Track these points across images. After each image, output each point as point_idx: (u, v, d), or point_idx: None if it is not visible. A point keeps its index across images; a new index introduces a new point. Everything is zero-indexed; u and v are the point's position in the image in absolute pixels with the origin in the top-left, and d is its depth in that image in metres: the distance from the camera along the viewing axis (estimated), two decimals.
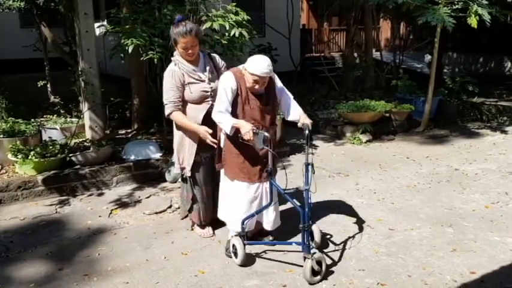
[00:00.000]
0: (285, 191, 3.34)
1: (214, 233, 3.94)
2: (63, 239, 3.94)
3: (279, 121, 6.17)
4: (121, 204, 4.71)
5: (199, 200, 3.78)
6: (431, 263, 3.48)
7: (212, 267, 3.43)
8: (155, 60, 5.06)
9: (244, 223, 3.45)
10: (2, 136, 5.28)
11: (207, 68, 3.63)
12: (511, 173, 5.58)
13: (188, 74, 3.55)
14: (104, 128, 6.04)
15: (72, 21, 6.38)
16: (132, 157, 5.46)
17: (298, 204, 3.26)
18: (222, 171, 3.59)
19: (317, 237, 3.56)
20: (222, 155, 3.54)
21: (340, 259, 3.54)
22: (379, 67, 10.81)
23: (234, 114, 3.38)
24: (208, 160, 3.71)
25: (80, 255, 3.64)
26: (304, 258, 3.20)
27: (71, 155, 5.18)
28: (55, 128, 6.00)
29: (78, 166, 5.17)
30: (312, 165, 3.29)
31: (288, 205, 4.31)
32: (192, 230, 4.02)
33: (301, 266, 3.32)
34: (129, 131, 6.90)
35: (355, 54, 11.59)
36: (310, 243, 3.58)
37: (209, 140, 3.44)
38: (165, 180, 4.45)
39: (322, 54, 15.08)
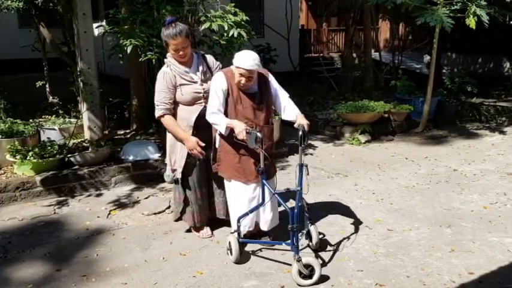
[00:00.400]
0: (276, 192, 3.33)
1: (212, 233, 3.93)
2: (61, 239, 3.93)
3: (276, 121, 6.18)
4: (119, 204, 4.71)
5: (192, 202, 3.77)
6: (429, 263, 3.48)
7: (210, 268, 3.43)
8: (153, 60, 5.06)
9: (240, 221, 3.45)
10: (0, 137, 5.27)
11: (200, 69, 3.62)
12: (510, 174, 5.58)
13: (180, 75, 3.55)
14: (103, 128, 6.04)
15: (71, 21, 6.39)
16: (131, 158, 5.46)
17: (288, 205, 3.25)
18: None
19: (315, 238, 3.56)
20: (217, 156, 3.55)
21: (338, 260, 3.53)
22: (378, 67, 10.82)
23: (226, 114, 3.41)
24: (202, 162, 3.70)
25: (78, 255, 3.64)
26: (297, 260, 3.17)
27: (69, 155, 5.18)
28: (53, 129, 5.99)
29: (76, 167, 5.16)
30: (306, 166, 3.29)
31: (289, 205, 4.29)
32: (190, 231, 4.01)
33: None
34: (127, 131, 6.90)
35: (354, 55, 11.59)
36: (311, 244, 3.58)
37: (196, 151, 3.50)
38: (163, 181, 4.46)
39: (321, 54, 15.08)
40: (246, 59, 3.28)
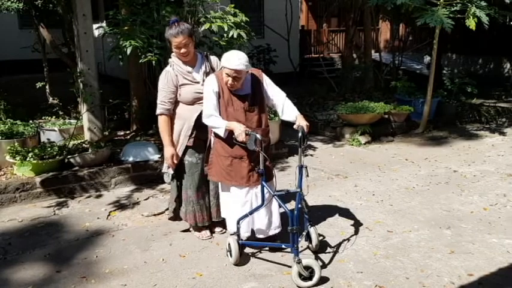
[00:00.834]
0: (275, 194, 3.32)
1: (212, 235, 3.93)
2: (61, 241, 3.93)
3: (276, 122, 6.18)
4: (119, 206, 4.71)
5: (194, 201, 3.77)
6: (429, 265, 3.48)
7: (210, 270, 3.42)
8: (153, 62, 5.06)
9: (240, 223, 3.45)
10: (0, 138, 5.27)
11: (202, 69, 3.64)
12: (510, 175, 5.58)
13: (182, 75, 3.58)
14: (103, 129, 6.04)
15: (71, 22, 6.39)
16: (131, 159, 5.46)
17: (288, 207, 3.24)
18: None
19: (314, 240, 3.56)
20: (210, 158, 3.55)
21: (338, 261, 3.53)
22: (378, 68, 10.82)
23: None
24: (201, 162, 3.72)
25: (77, 257, 3.64)
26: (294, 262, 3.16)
27: (69, 156, 5.18)
28: (53, 130, 5.99)
29: (76, 168, 5.17)
30: (306, 167, 3.29)
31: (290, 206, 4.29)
32: (189, 231, 4.01)
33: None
34: (127, 132, 6.90)
35: (354, 55, 11.59)
36: (311, 246, 3.59)
37: (169, 161, 3.61)
38: (163, 182, 4.45)
39: (321, 55, 15.09)
40: (232, 59, 3.27)
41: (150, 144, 5.72)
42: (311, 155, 6.57)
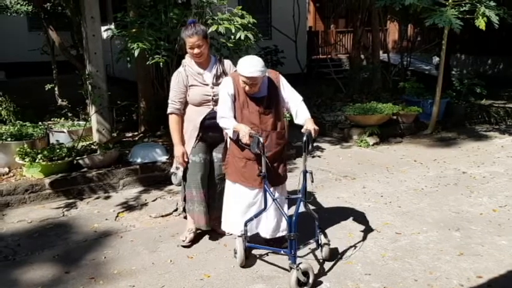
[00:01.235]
0: (275, 198, 3.29)
1: (191, 241, 3.82)
2: (69, 242, 3.96)
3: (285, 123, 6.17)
4: (127, 207, 4.73)
5: (197, 201, 3.76)
6: (437, 267, 3.45)
7: (218, 271, 3.43)
8: (161, 64, 5.08)
9: (247, 225, 3.44)
10: (9, 139, 5.32)
11: (214, 71, 3.65)
12: None
13: (193, 76, 3.61)
14: (111, 131, 6.08)
15: (80, 25, 6.43)
16: (139, 160, 5.48)
17: (287, 213, 3.25)
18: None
19: (325, 249, 3.50)
20: (226, 158, 3.56)
21: (346, 263, 3.52)
22: (386, 69, 10.77)
23: (234, 118, 3.41)
24: (206, 162, 3.72)
25: (86, 258, 3.66)
26: (290, 268, 3.13)
27: (78, 158, 5.21)
28: (62, 131, 6.04)
29: (85, 169, 5.20)
30: (310, 173, 3.26)
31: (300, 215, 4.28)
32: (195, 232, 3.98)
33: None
34: (135, 133, 6.93)
35: (362, 56, 11.55)
36: (321, 254, 3.52)
37: (180, 160, 3.64)
38: (171, 183, 4.44)
39: (329, 56, 15.06)
40: (246, 66, 3.23)
41: (158, 146, 5.74)
42: (319, 156, 6.56)
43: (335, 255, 3.63)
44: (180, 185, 4.10)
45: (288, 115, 6.10)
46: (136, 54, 4.94)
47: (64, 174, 5.01)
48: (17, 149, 5.14)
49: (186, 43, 3.55)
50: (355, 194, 5.04)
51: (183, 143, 3.69)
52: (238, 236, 3.52)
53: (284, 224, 3.59)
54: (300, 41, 12.69)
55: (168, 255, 3.67)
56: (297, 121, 3.51)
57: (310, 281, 3.14)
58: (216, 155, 3.77)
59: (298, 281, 3.08)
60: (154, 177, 5.40)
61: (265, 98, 3.42)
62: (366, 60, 11.65)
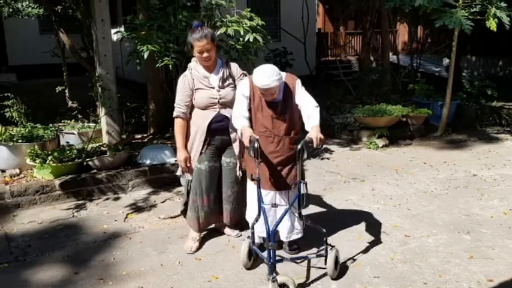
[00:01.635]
0: (263, 205, 3.24)
1: (197, 249, 3.80)
2: (79, 243, 3.98)
3: None
4: (136, 208, 4.75)
5: (199, 207, 3.77)
6: (447, 270, 3.42)
7: (226, 273, 3.43)
8: (170, 66, 5.10)
9: (254, 228, 3.43)
10: (20, 141, 5.37)
11: (220, 75, 3.63)
12: None
13: (199, 79, 3.59)
14: (121, 132, 6.11)
15: (90, 27, 6.49)
16: (148, 161, 5.51)
17: (272, 220, 3.23)
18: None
19: (330, 267, 3.29)
20: (244, 156, 3.61)
21: (355, 266, 3.50)
22: (396, 71, 10.71)
23: (250, 120, 3.41)
24: (213, 169, 3.70)
25: (95, 259, 3.68)
26: (268, 278, 3.02)
27: (87, 159, 5.25)
28: (73, 133, 6.08)
29: (94, 170, 5.23)
30: (305, 184, 3.22)
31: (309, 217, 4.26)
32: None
33: (316, 273, 3.31)
34: (145, 135, 6.97)
35: (372, 58, 11.50)
36: (328, 272, 3.35)
37: (183, 164, 3.64)
38: (180, 185, 4.48)
39: (338, 58, 15.01)
40: (261, 78, 3.17)
41: (167, 148, 5.76)
42: (328, 159, 6.54)
43: (341, 250, 3.54)
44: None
45: None
46: (145, 56, 4.97)
47: (74, 175, 5.05)
48: (27, 150, 5.19)
49: (194, 47, 3.50)
50: (364, 196, 5.02)
51: (185, 147, 3.66)
52: (247, 237, 3.52)
53: (297, 226, 3.59)
54: (309, 42, 12.68)
55: (177, 257, 3.68)
56: (306, 127, 3.38)
57: None
58: (225, 159, 3.74)
59: None
60: (163, 179, 5.41)
61: (280, 103, 3.38)
62: (376, 62, 11.59)
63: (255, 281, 3.32)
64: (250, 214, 3.59)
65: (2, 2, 6.45)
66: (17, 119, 6.39)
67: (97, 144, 5.69)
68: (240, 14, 5.58)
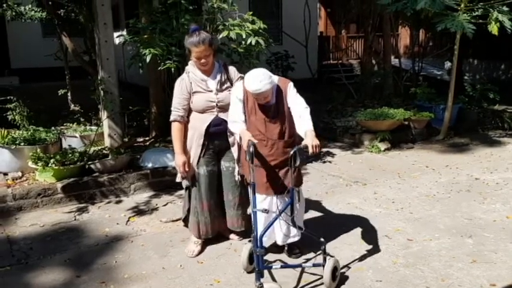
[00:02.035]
0: (254, 210, 3.20)
1: (199, 253, 3.79)
2: (81, 246, 3.98)
3: None
4: (138, 211, 4.75)
5: (198, 212, 3.75)
6: (450, 274, 3.41)
7: (228, 276, 3.42)
8: (172, 69, 5.11)
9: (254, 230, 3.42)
10: (23, 144, 5.38)
11: (218, 78, 3.61)
12: None
13: (196, 83, 3.57)
14: (123, 136, 6.11)
15: (92, 31, 6.50)
16: (150, 165, 5.51)
17: (262, 227, 3.20)
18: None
19: (327, 274, 3.17)
20: (241, 159, 3.58)
21: (357, 269, 3.50)
22: (397, 74, 10.72)
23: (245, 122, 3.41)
24: (211, 173, 3.69)
25: (97, 262, 3.68)
26: (255, 285, 3.00)
27: (89, 162, 5.25)
28: (75, 136, 6.09)
29: (96, 174, 5.24)
30: (298, 192, 3.21)
31: (311, 221, 4.26)
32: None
33: (318, 276, 3.31)
34: (147, 138, 6.97)
35: (373, 62, 11.51)
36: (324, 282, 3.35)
37: (181, 170, 3.60)
38: (181, 188, 4.45)
39: (340, 61, 15.03)
40: (252, 82, 3.17)
41: (169, 151, 5.76)
42: (329, 162, 6.54)
43: (343, 254, 3.54)
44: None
45: None
46: (148, 59, 4.98)
47: (76, 178, 5.05)
48: (30, 153, 5.20)
49: (192, 52, 3.47)
50: (366, 199, 5.01)
51: (185, 152, 3.64)
52: (249, 241, 3.52)
53: (294, 229, 3.58)
54: (310, 46, 12.69)
55: (179, 260, 3.68)
56: (298, 131, 3.28)
57: None
58: (224, 163, 3.72)
59: None
60: (165, 182, 5.41)
61: (273, 106, 3.38)
62: (377, 65, 11.60)
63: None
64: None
65: (5, 5, 6.48)
66: (19, 122, 6.40)
67: (99, 148, 5.70)
68: (242, 17, 5.59)
